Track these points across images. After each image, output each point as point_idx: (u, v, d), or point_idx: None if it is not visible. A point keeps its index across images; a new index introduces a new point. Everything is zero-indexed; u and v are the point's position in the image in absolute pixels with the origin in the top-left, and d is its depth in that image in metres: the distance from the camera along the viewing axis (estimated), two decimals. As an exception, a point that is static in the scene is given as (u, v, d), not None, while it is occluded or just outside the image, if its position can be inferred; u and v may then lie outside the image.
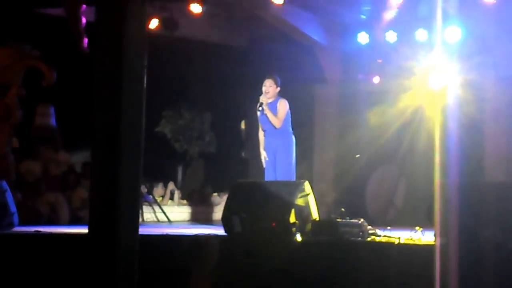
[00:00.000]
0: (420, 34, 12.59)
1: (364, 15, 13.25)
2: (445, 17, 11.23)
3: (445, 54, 11.55)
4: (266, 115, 9.79)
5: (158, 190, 14.15)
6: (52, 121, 13.07)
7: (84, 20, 10.35)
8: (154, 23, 12.29)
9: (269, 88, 9.87)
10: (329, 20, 13.62)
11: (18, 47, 12.39)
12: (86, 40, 10.38)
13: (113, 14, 5.57)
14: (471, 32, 11.90)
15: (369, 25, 13.29)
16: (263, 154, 10.04)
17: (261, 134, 10.11)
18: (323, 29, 13.77)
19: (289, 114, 9.89)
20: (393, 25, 12.96)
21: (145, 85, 5.63)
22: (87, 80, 5.81)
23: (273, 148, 9.83)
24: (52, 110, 13.07)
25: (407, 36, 12.78)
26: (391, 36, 13.01)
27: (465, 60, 11.57)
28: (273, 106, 9.83)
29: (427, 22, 11.96)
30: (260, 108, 9.81)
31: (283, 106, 9.84)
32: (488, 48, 11.61)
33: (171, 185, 14.39)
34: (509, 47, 11.69)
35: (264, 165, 10.07)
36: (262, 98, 9.82)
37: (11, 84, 12.19)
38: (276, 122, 9.77)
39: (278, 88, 9.91)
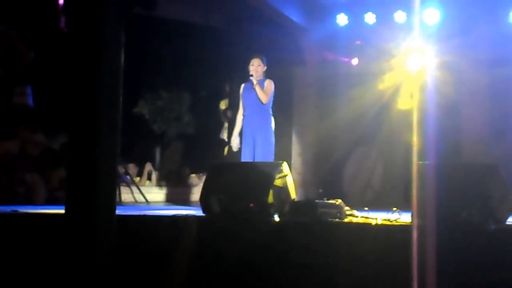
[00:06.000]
0: (399, 16, 12.61)
1: (343, -4, 13.24)
2: (424, -1, 11.27)
3: (424, 36, 11.58)
4: (254, 89, 9.79)
5: (136, 170, 14.14)
6: (29, 100, 13.01)
7: (61, -1, 10.29)
8: (132, 2, 12.20)
9: (258, 67, 9.92)
10: (308, 1, 13.60)
11: (-6, 27, 12.29)
12: (63, 19, 10.32)
13: (91, -7, 5.54)
14: (449, 14, 11.93)
15: (348, 7, 13.28)
16: (236, 140, 10.05)
17: (239, 118, 10.10)
18: (302, 10, 13.74)
19: (273, 96, 9.92)
20: (372, 6, 12.97)
21: (122, 65, 5.60)
22: (64, 59, 5.78)
23: (253, 128, 9.82)
24: (29, 90, 13.00)
25: (386, 18, 12.79)
26: (370, 18, 13.02)
27: (443, 42, 11.61)
28: (260, 84, 9.84)
29: (406, 4, 11.98)
30: (251, 78, 9.81)
31: (270, 85, 9.90)
32: (466, 30, 11.63)
33: (148, 166, 14.39)
34: (487, 29, 11.72)
35: (234, 149, 10.09)
36: (252, 72, 9.85)
37: (-13, 63, 12.10)
38: (264, 97, 9.79)
39: (265, 67, 9.96)
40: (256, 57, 9.97)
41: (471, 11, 11.69)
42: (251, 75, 9.84)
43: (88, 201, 5.33)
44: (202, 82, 15.16)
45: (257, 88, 9.79)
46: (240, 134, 10.05)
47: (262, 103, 9.81)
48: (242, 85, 10.02)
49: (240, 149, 10.09)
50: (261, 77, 9.93)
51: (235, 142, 10.10)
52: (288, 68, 13.93)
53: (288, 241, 6.93)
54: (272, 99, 9.91)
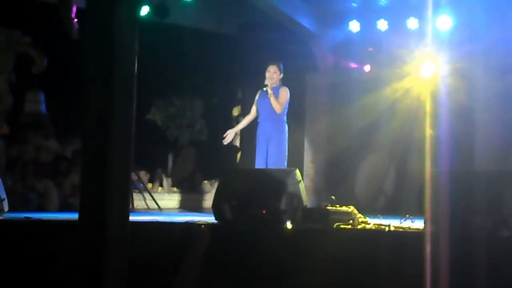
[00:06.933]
0: (411, 23, 12.59)
1: (356, 3, 13.24)
2: (436, 5, 11.25)
3: (436, 42, 11.56)
4: (268, 98, 9.78)
5: (148, 177, 14.15)
6: (42, 107, 13.05)
7: (75, 6, 10.32)
8: (145, 10, 12.24)
9: (273, 74, 9.88)
10: (321, 8, 13.60)
11: (8, 33, 12.35)
12: (77, 27, 10.35)
13: (104, 0, 5.56)
14: (461, 20, 11.90)
15: (361, 13, 13.28)
16: (230, 135, 10.07)
17: (245, 120, 10.17)
18: (315, 17, 13.74)
19: (288, 103, 9.91)
20: (385, 13, 12.97)
21: (135, 72, 5.62)
22: (77, 66, 5.80)
23: (266, 135, 9.81)
24: (42, 97, 13.04)
25: (398, 25, 12.77)
26: (382, 25, 13.01)
27: (455, 48, 11.58)
28: (275, 92, 9.82)
29: (418, 11, 11.96)
30: (265, 89, 9.80)
31: (285, 93, 9.87)
32: (479, 36, 11.60)
33: (160, 172, 14.39)
34: (500, 36, 11.69)
35: (224, 141, 10.12)
36: (267, 82, 9.83)
37: (1, 70, 12.15)
38: (278, 107, 9.77)
39: (281, 75, 9.94)
40: (273, 64, 9.96)
41: (484, 18, 11.65)
42: (266, 85, 9.82)
43: (102, 207, 5.34)
44: (214, 89, 15.18)
45: (272, 99, 9.77)
46: (252, 140, 10.07)
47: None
48: (259, 92, 10.01)
49: (250, 155, 10.10)
50: (277, 84, 9.91)
51: (229, 135, 10.12)
52: (301, 74, 13.91)
53: (300, 247, 6.93)
54: (287, 106, 9.90)
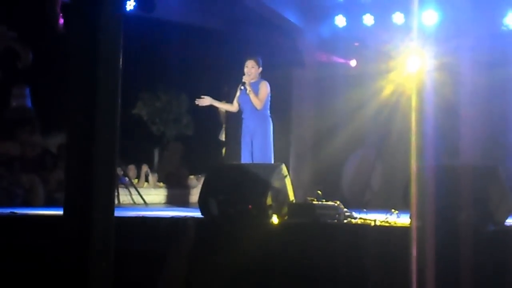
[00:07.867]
0: (397, 18, 12.61)
1: (341, -2, 13.26)
2: (422, 0, 11.27)
3: (422, 37, 11.59)
4: (248, 95, 9.76)
5: (134, 172, 14.13)
6: (28, 102, 13.00)
7: (60, 0, 10.29)
8: (130, 4, 12.21)
9: (251, 69, 9.83)
10: (307, 3, 13.60)
11: (-7, 28, 12.29)
12: (62, 21, 10.32)
13: (89, -5, 5.53)
14: (447, 15, 11.93)
15: (347, 8, 13.29)
16: (203, 101, 10.09)
17: (226, 105, 10.39)
18: (301, 12, 13.74)
19: (269, 97, 9.87)
20: (370, 8, 12.98)
21: (121, 67, 5.60)
22: (63, 61, 5.78)
23: (250, 131, 9.80)
24: (27, 92, 12.99)
25: (384, 20, 12.79)
26: (368, 19, 13.02)
27: (441, 43, 11.61)
28: (255, 87, 9.79)
29: (404, 6, 11.99)
30: (243, 88, 9.78)
31: (265, 88, 9.82)
32: (464, 31, 11.64)
33: (144, 167, 14.37)
34: (486, 31, 11.73)
35: (196, 102, 10.18)
36: (245, 78, 9.79)
37: (-14, 65, 12.08)
38: (258, 103, 9.75)
39: (260, 69, 9.89)
40: (251, 59, 9.90)
41: (469, 13, 11.68)
42: (244, 83, 9.78)
43: (87, 202, 5.32)
44: (200, 84, 15.12)
45: (251, 96, 9.74)
46: (237, 135, 10.08)
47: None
48: (239, 88, 9.95)
49: (236, 150, 10.12)
50: (256, 78, 9.87)
51: (203, 100, 10.14)
52: (287, 69, 13.91)
53: (286, 242, 6.93)
54: (268, 100, 9.87)
